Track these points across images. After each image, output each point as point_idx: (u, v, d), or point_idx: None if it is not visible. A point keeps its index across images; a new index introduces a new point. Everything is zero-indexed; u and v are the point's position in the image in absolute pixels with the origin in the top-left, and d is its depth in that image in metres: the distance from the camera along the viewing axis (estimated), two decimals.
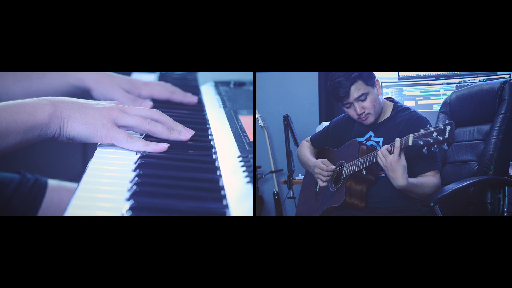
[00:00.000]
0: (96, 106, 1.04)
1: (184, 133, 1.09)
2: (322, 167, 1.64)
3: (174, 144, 1.06)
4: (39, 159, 2.28)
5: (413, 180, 1.45)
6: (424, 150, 1.35)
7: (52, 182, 1.44)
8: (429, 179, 1.51)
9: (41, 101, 1.01)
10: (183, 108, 1.40)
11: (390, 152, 1.40)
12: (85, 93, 1.37)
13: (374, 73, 1.60)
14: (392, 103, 1.65)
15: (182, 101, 1.42)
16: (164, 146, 1.04)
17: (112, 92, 1.35)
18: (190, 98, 1.43)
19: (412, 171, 1.50)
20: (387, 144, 1.43)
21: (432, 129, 1.34)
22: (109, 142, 1.03)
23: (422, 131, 1.36)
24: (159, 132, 1.07)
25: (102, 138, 1.02)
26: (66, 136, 1.02)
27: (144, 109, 1.10)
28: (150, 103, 1.34)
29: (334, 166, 1.64)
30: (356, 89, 1.53)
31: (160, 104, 1.38)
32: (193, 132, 1.10)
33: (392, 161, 1.39)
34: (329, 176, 1.64)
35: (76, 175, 1.06)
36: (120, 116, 1.04)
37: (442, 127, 1.33)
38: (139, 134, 1.10)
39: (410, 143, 1.36)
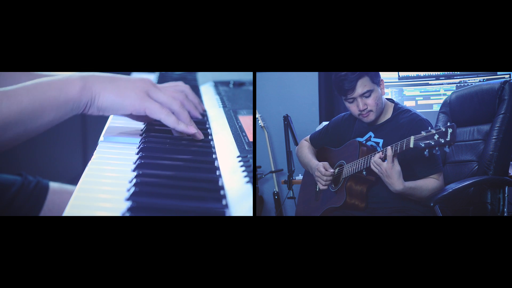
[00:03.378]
0: (128, 78, 1.05)
1: (200, 133, 1.10)
2: (322, 171, 1.65)
3: (174, 144, 1.06)
4: (39, 160, 2.27)
5: (410, 183, 1.45)
6: (425, 153, 1.35)
7: (53, 185, 1.44)
8: (429, 181, 1.51)
9: (71, 76, 1.01)
10: None
11: (383, 160, 1.41)
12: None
13: None
14: (393, 104, 1.65)
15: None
16: (193, 130, 1.06)
17: None
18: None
19: (415, 175, 1.50)
20: (381, 150, 1.44)
21: (434, 131, 1.33)
22: (141, 112, 1.04)
23: (423, 133, 1.35)
24: (184, 119, 1.08)
25: (135, 107, 1.02)
26: (97, 107, 1.01)
27: (173, 92, 1.11)
28: None
29: (332, 170, 1.64)
30: (362, 85, 1.53)
31: None
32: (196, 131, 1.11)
33: (386, 168, 1.41)
34: (328, 181, 1.64)
35: (76, 176, 1.06)
36: (152, 89, 1.05)
37: (443, 130, 1.32)
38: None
39: (411, 145, 1.36)
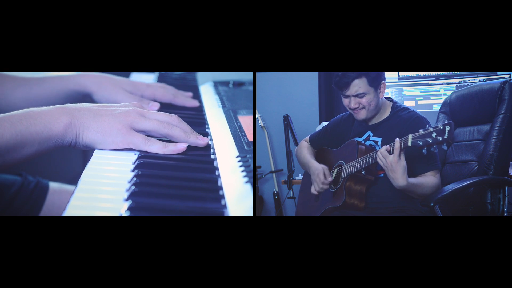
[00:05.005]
0: (112, 111, 1.03)
1: (202, 138, 1.08)
2: (321, 177, 1.64)
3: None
4: (39, 160, 2.27)
5: (413, 180, 1.45)
6: (423, 151, 1.35)
7: (53, 185, 1.44)
8: (429, 179, 1.51)
9: (57, 110, 1.00)
10: (182, 108, 1.40)
11: (390, 153, 1.40)
12: (86, 97, 1.35)
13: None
14: (391, 103, 1.65)
15: (184, 105, 1.41)
16: (182, 146, 1.03)
17: (115, 94, 1.33)
18: (192, 102, 1.42)
19: (412, 171, 1.50)
20: (386, 145, 1.43)
21: (431, 130, 1.33)
22: (126, 147, 1.02)
23: (421, 131, 1.35)
24: (177, 136, 1.05)
25: (118, 144, 1.01)
26: (82, 144, 1.01)
27: (163, 114, 1.08)
28: (157, 104, 1.32)
29: (331, 179, 1.64)
30: (357, 85, 1.53)
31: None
32: (208, 140, 1.09)
33: (392, 161, 1.39)
34: (323, 189, 1.64)
35: (76, 176, 1.06)
36: (137, 120, 1.03)
37: (441, 128, 1.33)
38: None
39: (409, 144, 1.36)
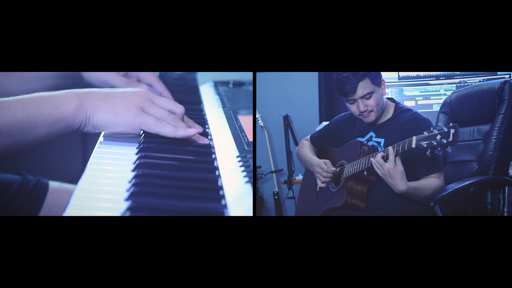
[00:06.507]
0: (123, 94, 1.06)
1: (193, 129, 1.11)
2: (323, 167, 1.64)
3: (173, 144, 1.06)
4: (39, 160, 2.27)
5: (413, 183, 1.45)
6: (427, 153, 1.34)
7: (53, 184, 1.44)
8: (431, 181, 1.51)
9: (67, 93, 1.01)
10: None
11: (385, 160, 1.40)
12: (76, 77, 1.38)
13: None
14: (394, 104, 1.65)
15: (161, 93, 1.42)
16: (193, 132, 1.07)
17: (104, 73, 1.36)
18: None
19: (416, 174, 1.50)
20: (389, 146, 1.43)
21: (436, 132, 1.33)
22: (137, 128, 1.05)
23: (425, 133, 1.35)
24: (183, 126, 1.09)
25: (130, 124, 1.03)
26: (92, 126, 1.02)
27: (169, 102, 1.11)
28: (146, 87, 1.34)
29: (334, 168, 1.63)
30: (363, 87, 1.52)
31: None
32: (195, 131, 1.11)
33: (389, 168, 1.39)
34: (328, 178, 1.63)
35: (76, 176, 1.06)
36: (147, 104, 1.06)
37: (446, 130, 1.32)
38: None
39: (413, 146, 1.36)
